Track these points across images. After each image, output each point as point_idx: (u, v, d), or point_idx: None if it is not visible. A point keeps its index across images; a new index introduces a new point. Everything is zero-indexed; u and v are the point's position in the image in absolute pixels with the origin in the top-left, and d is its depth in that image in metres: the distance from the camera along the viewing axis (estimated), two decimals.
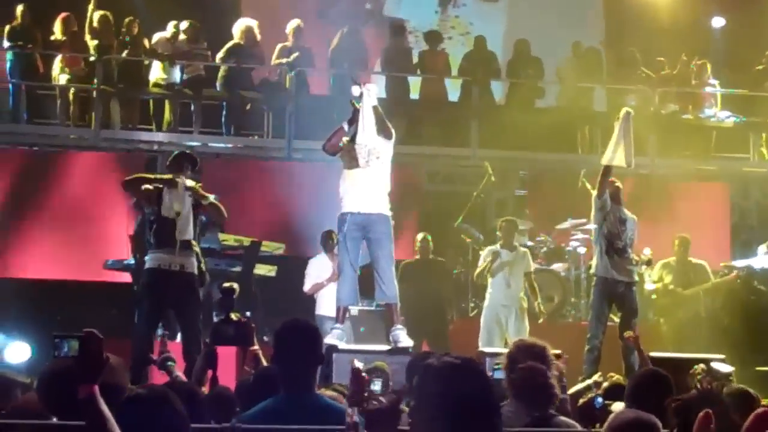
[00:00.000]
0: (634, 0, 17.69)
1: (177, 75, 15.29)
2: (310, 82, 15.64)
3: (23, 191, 14.17)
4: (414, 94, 16.17)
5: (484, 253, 12.63)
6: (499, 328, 12.43)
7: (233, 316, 10.03)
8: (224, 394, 5.98)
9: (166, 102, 15.38)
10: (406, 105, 15.90)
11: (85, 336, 3.85)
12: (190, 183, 9.90)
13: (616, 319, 11.58)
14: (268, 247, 12.69)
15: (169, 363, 6.33)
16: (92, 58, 15.01)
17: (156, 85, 15.22)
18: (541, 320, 12.51)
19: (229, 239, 12.69)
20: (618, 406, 5.59)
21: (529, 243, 13.56)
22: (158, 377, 8.74)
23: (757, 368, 11.29)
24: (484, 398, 3.23)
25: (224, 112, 15.48)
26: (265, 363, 6.66)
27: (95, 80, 14.93)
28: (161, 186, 9.76)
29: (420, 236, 13.20)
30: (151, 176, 10.27)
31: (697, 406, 4.60)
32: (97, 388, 3.77)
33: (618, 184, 11.24)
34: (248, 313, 10.68)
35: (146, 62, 15.31)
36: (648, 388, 5.60)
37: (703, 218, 15.18)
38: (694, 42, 17.09)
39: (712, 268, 13.67)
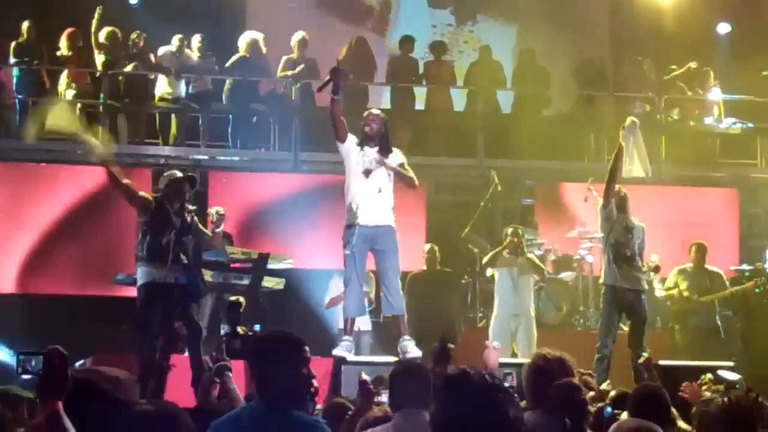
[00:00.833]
0: (639, 9, 17.68)
1: (182, 89, 15.33)
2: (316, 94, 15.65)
3: (31, 206, 14.18)
4: (420, 105, 16.19)
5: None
6: (509, 337, 12.44)
7: (240, 329, 10.10)
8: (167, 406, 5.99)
9: (173, 116, 15.41)
10: (412, 115, 15.94)
11: (48, 353, 3.86)
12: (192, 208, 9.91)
13: (625, 328, 11.55)
14: (276, 259, 12.68)
15: (226, 372, 6.24)
16: (98, 73, 15.04)
17: (162, 99, 15.26)
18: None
19: (236, 252, 12.68)
20: (627, 416, 5.59)
21: (538, 252, 13.56)
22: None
23: None
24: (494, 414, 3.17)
25: (231, 125, 15.50)
26: None
27: (101, 95, 14.95)
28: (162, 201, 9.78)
29: (427, 247, 13.23)
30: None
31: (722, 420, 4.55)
32: (60, 404, 3.77)
33: (624, 192, 11.20)
34: (257, 327, 10.70)
35: (152, 77, 15.34)
36: (645, 405, 5.61)
37: (711, 224, 15.17)
38: (699, 49, 17.08)
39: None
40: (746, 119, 16.36)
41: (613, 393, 7.13)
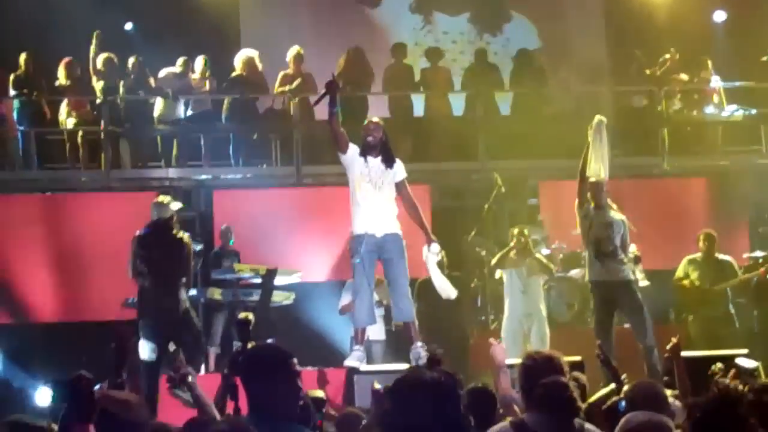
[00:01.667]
0: (635, 1, 17.70)
1: (181, 110, 15.38)
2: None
3: (38, 236, 14.22)
4: (418, 111, 16.22)
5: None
6: (521, 338, 12.45)
7: (250, 346, 10.09)
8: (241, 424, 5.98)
9: (174, 138, 15.46)
10: (411, 123, 15.97)
11: (74, 379, 3.87)
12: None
13: (626, 325, 11.50)
14: (285, 274, 12.71)
15: (190, 378, 6.24)
16: (98, 100, 15.09)
17: (161, 121, 15.30)
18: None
19: (244, 268, 12.73)
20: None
21: (545, 251, 13.55)
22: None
23: None
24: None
25: (232, 144, 15.54)
26: None
27: (102, 122, 15.00)
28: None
29: None
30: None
31: (715, 408, 4.55)
32: (91, 427, 3.79)
33: (601, 187, 10.95)
34: (270, 341, 10.70)
35: (150, 100, 15.38)
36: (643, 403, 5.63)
37: (720, 213, 15.14)
38: (696, 38, 17.07)
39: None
40: (746, 106, 16.31)
41: (626, 387, 7.09)
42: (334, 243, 13.33)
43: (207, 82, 15.45)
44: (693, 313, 13.42)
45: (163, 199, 10.91)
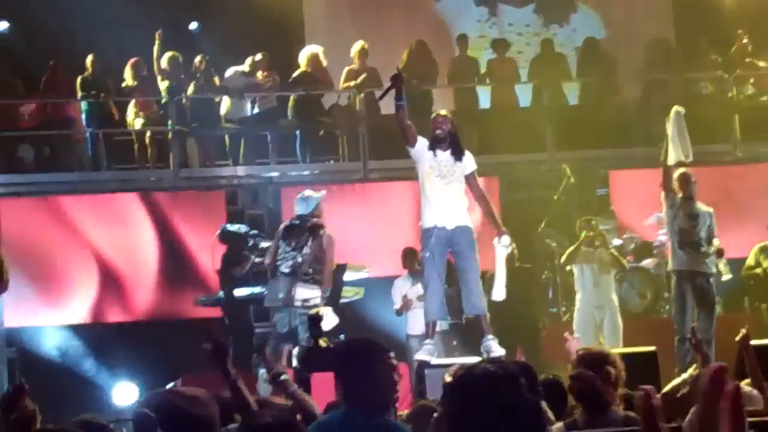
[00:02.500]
0: None
1: (248, 108, 15.42)
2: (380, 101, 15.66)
3: (111, 237, 14.34)
4: (485, 103, 16.14)
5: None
6: (594, 329, 12.35)
7: (321, 342, 10.11)
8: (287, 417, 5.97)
9: (241, 136, 15.51)
10: (477, 115, 15.88)
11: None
12: None
13: None
14: (354, 269, 12.68)
15: (283, 377, 6.27)
16: (164, 101, 15.19)
17: (227, 120, 15.36)
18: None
19: None
20: None
21: (617, 241, 13.41)
22: None
23: None
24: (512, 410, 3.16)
25: (298, 140, 15.56)
26: None
27: (169, 121, 15.09)
28: None
29: None
30: None
31: None
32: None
33: (686, 178, 11.15)
34: (342, 336, 10.70)
35: (217, 99, 15.45)
36: None
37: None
38: (766, 19, 16.77)
39: None
40: None
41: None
42: (402, 238, 13.27)
43: (271, 78, 15.48)
44: (766, 302, 13.24)
45: (307, 193, 11.30)
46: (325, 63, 15.48)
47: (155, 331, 13.83)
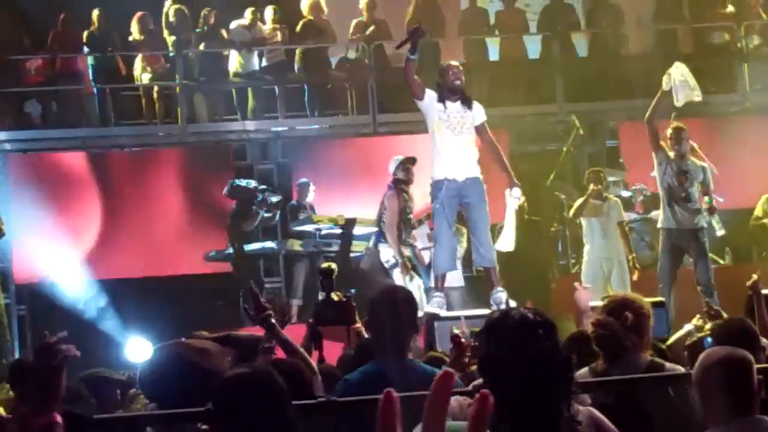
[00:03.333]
0: None
1: (256, 62, 15.34)
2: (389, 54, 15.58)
3: (119, 192, 14.32)
4: (493, 55, 16.04)
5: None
6: (602, 280, 12.34)
7: (334, 296, 10.12)
8: (326, 370, 5.99)
9: (249, 90, 15.44)
10: (486, 67, 15.80)
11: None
12: None
13: None
14: (363, 224, 12.69)
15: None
16: (171, 54, 15.12)
17: (236, 74, 15.29)
18: (635, 276, 12.25)
19: (323, 219, 12.74)
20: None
21: (625, 193, 13.39)
22: None
23: None
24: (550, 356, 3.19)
25: (306, 94, 15.51)
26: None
27: (177, 76, 15.04)
28: None
29: None
30: None
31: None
32: None
33: (680, 134, 11.05)
34: (353, 291, 10.72)
35: (225, 53, 15.37)
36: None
37: None
38: None
39: None
40: None
41: (709, 325, 6.97)
42: (413, 190, 13.25)
43: (279, 32, 15.40)
44: None
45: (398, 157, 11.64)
46: (326, 11, 15.36)
47: (164, 286, 13.84)
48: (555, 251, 13.87)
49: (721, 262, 13.44)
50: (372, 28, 15.27)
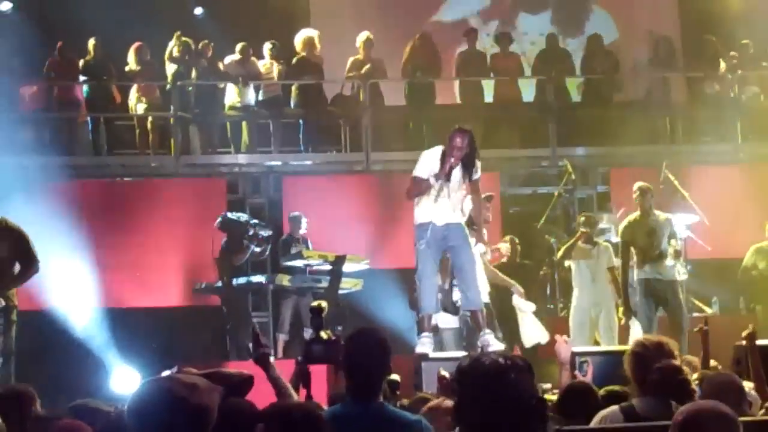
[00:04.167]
0: None
1: (252, 96, 15.37)
2: (384, 93, 15.64)
3: (108, 222, 14.26)
4: (488, 98, 16.11)
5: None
6: (590, 326, 12.34)
7: (323, 334, 10.08)
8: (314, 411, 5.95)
9: (243, 124, 15.46)
10: (481, 109, 15.86)
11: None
12: None
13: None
14: (353, 260, 12.69)
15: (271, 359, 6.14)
16: (167, 86, 15.15)
17: (232, 107, 15.31)
18: (623, 321, 12.26)
19: (313, 255, 12.73)
20: None
21: (615, 239, 13.40)
22: None
23: None
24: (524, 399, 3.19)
25: (301, 130, 15.54)
26: None
27: (172, 107, 15.05)
28: None
29: (508, 240, 13.02)
30: None
31: None
32: None
33: (645, 192, 11.62)
34: (339, 328, 10.70)
35: (221, 86, 15.41)
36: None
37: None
38: None
39: None
40: None
41: (695, 376, 6.98)
42: (402, 230, 13.26)
43: (276, 67, 15.44)
44: (762, 303, 13.25)
45: None
46: (318, 48, 15.42)
47: (152, 317, 13.78)
48: (544, 295, 13.87)
49: (709, 311, 13.44)
50: (368, 66, 15.32)
